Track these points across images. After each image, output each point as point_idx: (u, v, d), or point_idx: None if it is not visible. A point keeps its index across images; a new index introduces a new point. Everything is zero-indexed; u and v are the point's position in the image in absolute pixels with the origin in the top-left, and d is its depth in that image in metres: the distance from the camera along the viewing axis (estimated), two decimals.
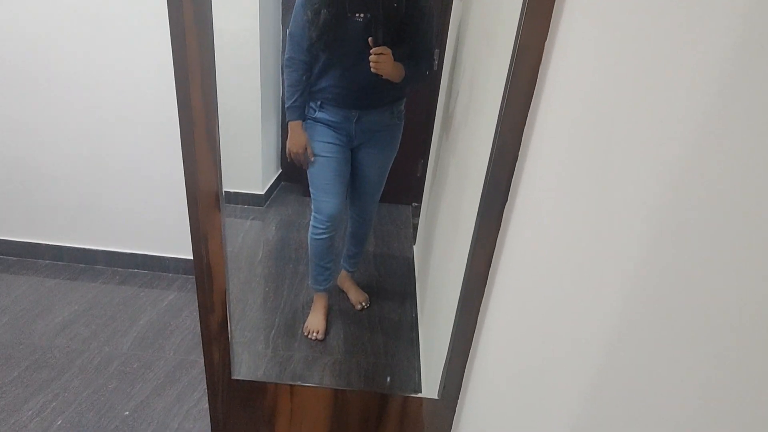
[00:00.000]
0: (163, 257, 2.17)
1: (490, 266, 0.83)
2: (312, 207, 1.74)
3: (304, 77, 1.55)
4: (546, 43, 0.66)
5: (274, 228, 2.73)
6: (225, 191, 2.53)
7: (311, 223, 1.76)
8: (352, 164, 1.73)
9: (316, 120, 1.60)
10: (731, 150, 0.33)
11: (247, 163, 2.83)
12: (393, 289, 2.26)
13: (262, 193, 2.93)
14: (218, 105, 0.80)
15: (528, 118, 0.69)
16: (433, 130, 2.31)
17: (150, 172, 1.99)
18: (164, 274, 2.20)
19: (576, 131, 0.59)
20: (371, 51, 1.39)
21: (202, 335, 0.91)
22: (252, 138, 2.75)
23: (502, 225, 0.80)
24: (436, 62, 2.70)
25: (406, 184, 3.12)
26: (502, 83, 0.71)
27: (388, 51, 1.39)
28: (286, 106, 1.61)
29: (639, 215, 0.44)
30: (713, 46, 0.36)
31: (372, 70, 1.40)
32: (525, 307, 0.71)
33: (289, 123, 1.63)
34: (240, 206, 2.93)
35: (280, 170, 3.28)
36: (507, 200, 0.77)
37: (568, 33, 0.63)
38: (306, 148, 1.63)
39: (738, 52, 0.33)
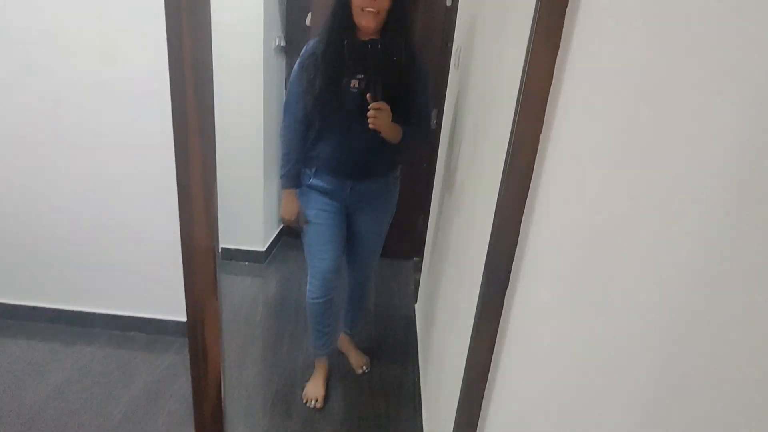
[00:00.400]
0: (162, 320, 2.13)
1: (493, 351, 0.81)
2: (308, 271, 1.73)
3: (299, 146, 1.55)
4: (541, 136, 0.67)
5: (274, 286, 2.70)
6: (226, 248, 2.53)
7: (308, 287, 1.74)
8: (349, 229, 1.72)
9: (311, 187, 1.59)
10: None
11: (249, 220, 2.85)
12: (395, 350, 2.20)
13: (263, 249, 2.93)
14: (222, 161, 0.81)
15: (526, 209, 0.70)
16: (433, 187, 2.34)
17: (149, 234, 1.99)
18: (162, 336, 2.16)
19: (575, 234, 0.59)
20: (369, 106, 1.34)
21: (195, 424, 0.87)
22: (254, 195, 2.79)
23: (504, 307, 0.79)
24: (435, 122, 2.78)
25: (407, 239, 3.12)
26: (498, 173, 0.73)
27: (386, 106, 1.35)
28: (280, 174, 1.62)
29: (642, 322, 0.43)
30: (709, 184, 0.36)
31: (369, 125, 1.36)
32: (533, 388, 0.69)
33: (282, 191, 1.64)
34: (241, 263, 2.92)
35: (282, 225, 3.30)
36: (508, 286, 0.77)
37: (562, 128, 0.65)
38: (298, 216, 1.64)
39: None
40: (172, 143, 0.76)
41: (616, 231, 0.51)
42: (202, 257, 0.89)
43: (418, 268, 2.97)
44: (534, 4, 0.64)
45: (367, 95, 1.34)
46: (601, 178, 0.56)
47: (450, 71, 1.98)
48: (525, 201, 0.70)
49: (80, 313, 2.14)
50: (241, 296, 2.56)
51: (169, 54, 0.72)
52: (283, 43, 2.81)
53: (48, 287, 2.12)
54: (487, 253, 0.75)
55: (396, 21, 1.38)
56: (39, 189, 1.94)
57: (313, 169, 1.56)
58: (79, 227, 2.00)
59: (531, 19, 0.66)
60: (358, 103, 1.39)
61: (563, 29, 0.63)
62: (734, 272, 0.35)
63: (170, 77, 0.72)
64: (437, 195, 1.93)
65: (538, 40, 0.64)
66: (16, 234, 2.02)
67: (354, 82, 1.42)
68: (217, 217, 0.82)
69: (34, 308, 2.14)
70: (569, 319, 0.60)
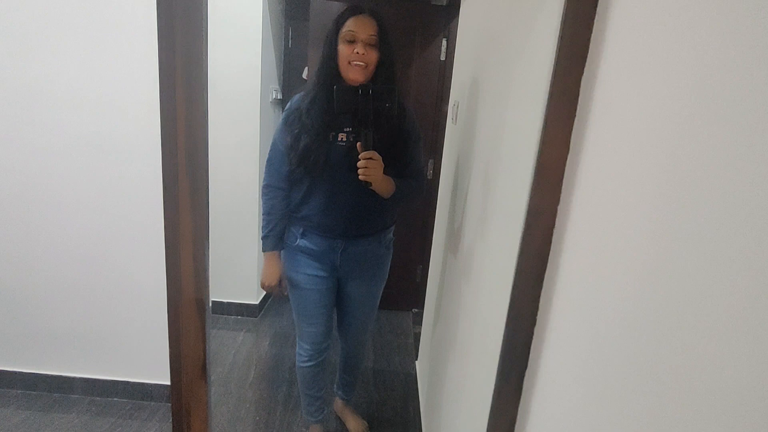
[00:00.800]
0: (146, 384, 2.00)
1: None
2: (297, 334, 1.63)
3: (281, 206, 1.46)
4: (558, 207, 0.63)
5: (267, 343, 2.58)
6: (218, 301, 2.40)
7: (297, 350, 1.64)
8: (339, 295, 1.61)
9: (298, 249, 1.47)
10: None
11: (243, 272, 2.76)
12: (395, 412, 2.07)
13: (257, 302, 2.83)
14: (216, 212, 0.75)
15: (544, 288, 0.64)
16: (432, 236, 2.28)
17: (134, 292, 1.90)
18: (146, 402, 2.02)
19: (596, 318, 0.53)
20: (359, 156, 1.23)
21: None
22: (248, 246, 2.72)
23: (523, 393, 0.71)
24: (431, 171, 2.77)
25: (405, 290, 3.03)
26: (510, 240, 0.67)
27: (378, 156, 1.23)
28: (261, 235, 1.50)
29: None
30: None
31: (360, 177, 1.23)
32: None
33: (263, 254, 1.52)
34: (233, 317, 2.80)
35: (283, 265, 3.20)
36: (527, 367, 0.70)
37: (583, 198, 0.60)
38: (280, 282, 1.53)
39: None
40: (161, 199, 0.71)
41: (649, 320, 0.46)
42: (190, 311, 0.82)
43: (417, 321, 2.86)
44: (548, 70, 0.61)
45: (357, 144, 1.24)
46: (631, 260, 0.51)
47: (447, 124, 1.97)
48: (542, 280, 0.64)
49: (58, 377, 2.01)
50: (234, 354, 2.43)
51: (161, 112, 0.68)
52: (279, 96, 2.84)
53: (23, 350, 1.99)
54: (503, 335, 0.69)
55: (385, 72, 1.32)
56: (17, 246, 1.86)
57: (300, 230, 1.46)
58: (57, 287, 1.91)
59: (544, 83, 0.63)
60: (347, 158, 1.31)
61: (580, 92, 0.60)
62: None
63: (162, 135, 0.68)
64: (439, 248, 1.86)
65: (553, 106, 0.60)
66: None
67: (342, 136, 1.34)
68: (208, 268, 0.75)
69: (7, 373, 2.01)
70: (593, 419, 0.53)
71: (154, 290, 1.89)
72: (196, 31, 0.65)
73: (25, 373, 2.00)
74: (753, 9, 0.37)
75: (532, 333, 0.68)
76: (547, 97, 0.60)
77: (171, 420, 1.97)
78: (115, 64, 1.67)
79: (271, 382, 2.22)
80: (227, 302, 2.80)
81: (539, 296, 0.66)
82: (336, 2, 2.58)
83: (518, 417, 0.73)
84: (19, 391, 2.02)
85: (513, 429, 0.74)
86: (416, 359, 2.46)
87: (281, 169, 1.42)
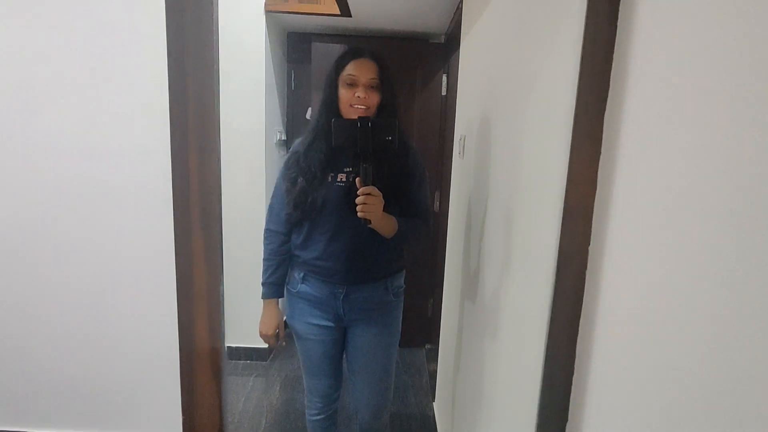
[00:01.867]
0: None
1: None
2: (305, 387, 1.54)
3: (282, 251, 1.41)
4: (590, 247, 0.60)
5: (278, 387, 2.49)
6: (228, 346, 2.31)
7: (306, 402, 1.56)
8: (348, 350, 1.48)
9: (299, 295, 1.41)
10: None
11: (251, 316, 2.71)
12: None
13: (266, 346, 2.76)
14: (224, 257, 0.72)
15: (580, 335, 0.60)
16: (443, 269, 2.23)
17: (142, 344, 1.85)
18: None
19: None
20: (358, 191, 1.16)
21: None
22: (256, 291, 2.66)
23: None
24: (437, 203, 2.75)
25: (417, 325, 2.95)
26: (547, 292, 0.64)
27: (378, 192, 1.16)
28: (261, 281, 1.44)
29: None
30: None
31: (359, 214, 1.17)
32: None
33: (263, 301, 1.45)
34: (242, 362, 2.73)
35: (284, 317, 3.15)
36: (567, 420, 0.65)
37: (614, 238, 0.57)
38: (277, 331, 1.45)
39: None
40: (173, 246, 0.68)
41: (689, 362, 0.42)
42: (203, 362, 0.78)
43: (431, 358, 2.77)
44: (569, 107, 0.60)
45: (356, 179, 1.17)
46: (664, 297, 0.47)
47: (454, 158, 1.97)
48: (578, 324, 0.60)
49: None
50: (243, 402, 2.35)
51: (173, 165, 0.67)
52: (284, 137, 2.86)
53: (32, 411, 1.92)
54: (541, 389, 0.64)
55: (386, 112, 1.29)
56: (19, 298, 1.83)
57: (302, 274, 1.40)
58: (68, 345, 1.86)
59: (565, 121, 0.61)
60: (347, 199, 1.24)
61: (603, 132, 0.58)
62: None
63: (173, 187, 0.67)
64: (454, 287, 1.81)
65: (576, 145, 0.58)
66: None
67: (341, 176, 1.30)
68: (223, 316, 0.71)
69: None
70: None
71: (163, 340, 1.84)
72: (208, 81, 0.64)
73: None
74: None
75: (571, 382, 0.64)
76: (570, 135, 0.58)
77: None
78: (125, 114, 1.68)
79: (283, 430, 2.13)
80: (236, 347, 2.74)
81: (576, 342, 0.62)
82: (336, 45, 2.63)
83: None
84: None
85: None
86: (433, 400, 2.37)
87: (281, 214, 1.38)
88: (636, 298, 0.55)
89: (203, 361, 0.81)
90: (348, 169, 1.30)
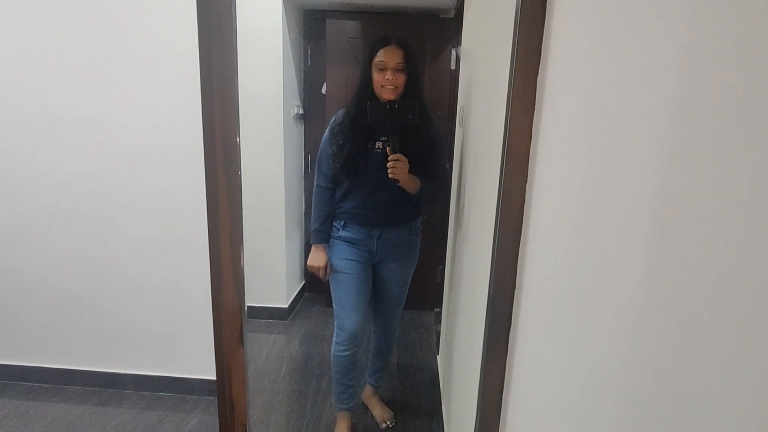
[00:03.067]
0: (188, 378, 2.18)
1: (502, 391, 0.84)
2: (335, 323, 1.78)
3: (328, 204, 1.71)
4: (527, 186, 0.75)
5: (297, 342, 2.73)
6: (250, 306, 2.60)
7: (334, 339, 1.78)
8: (374, 280, 1.80)
9: (340, 238, 1.71)
10: None
11: (272, 278, 2.94)
12: (419, 403, 2.18)
13: (286, 306, 3.00)
14: (245, 221, 0.90)
15: (520, 252, 0.76)
16: (447, 237, 2.40)
17: (177, 295, 2.10)
18: (189, 396, 2.20)
19: (562, 269, 0.65)
20: (389, 159, 1.50)
21: None
22: (277, 253, 2.90)
23: (509, 349, 0.83)
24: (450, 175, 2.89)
25: (427, 290, 3.14)
26: (493, 220, 0.80)
27: (404, 158, 1.51)
28: (312, 229, 1.75)
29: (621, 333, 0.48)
30: None
31: (389, 176, 1.51)
32: (543, 422, 0.72)
33: (313, 245, 1.75)
34: (264, 320, 2.97)
35: (304, 281, 3.37)
36: (510, 326, 0.81)
37: (543, 176, 0.73)
38: (326, 267, 1.74)
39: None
40: (202, 208, 0.87)
41: (592, 259, 0.58)
42: (230, 315, 0.96)
43: (439, 320, 2.97)
44: (509, 73, 0.75)
45: (387, 149, 1.52)
46: (576, 218, 0.63)
47: (456, 128, 2.10)
48: (518, 245, 0.76)
49: (112, 374, 2.21)
50: (266, 353, 2.60)
51: (204, 132, 0.84)
52: (301, 111, 3.03)
53: (81, 349, 2.21)
54: (488, 298, 0.81)
55: (412, 90, 1.57)
56: (70, 254, 2.09)
57: (342, 222, 1.70)
58: (108, 288, 2.12)
59: (508, 84, 0.76)
60: (381, 162, 1.56)
61: (536, 93, 0.72)
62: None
63: (204, 151, 0.84)
64: (450, 245, 1.99)
65: (515, 103, 0.73)
66: (48, 298, 2.15)
67: (378, 144, 1.61)
68: (244, 278, 0.90)
69: (68, 371, 2.23)
70: (567, 354, 0.65)
71: (193, 293, 2.08)
72: (229, 57, 0.81)
73: (83, 370, 2.22)
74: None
75: (513, 295, 0.80)
76: (510, 93, 0.73)
77: (211, 412, 2.14)
78: (163, 91, 1.89)
79: (301, 376, 2.37)
80: (258, 306, 2.98)
81: (516, 263, 0.78)
82: (350, 21, 2.76)
83: (506, 371, 0.84)
84: (77, 387, 2.23)
85: (503, 383, 0.85)
86: (437, 354, 2.57)
87: (328, 173, 1.68)
88: (558, 225, 0.71)
89: (229, 314, 0.98)
90: (383, 139, 1.60)
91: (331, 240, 1.74)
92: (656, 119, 0.46)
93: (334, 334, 1.78)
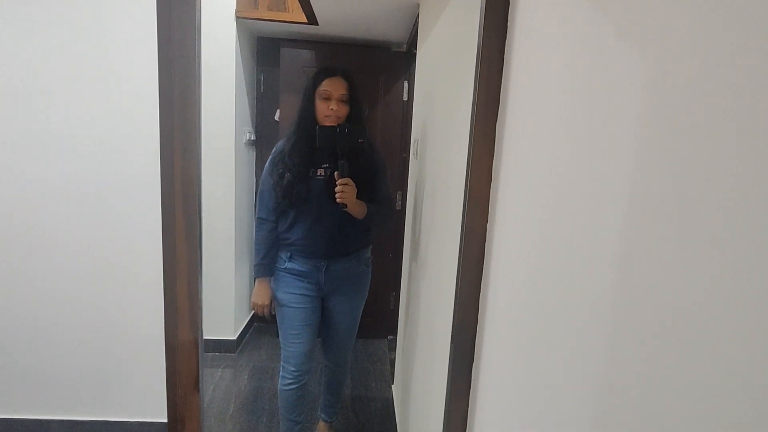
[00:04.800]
0: (128, 422, 2.02)
1: (466, 425, 0.85)
2: (281, 357, 1.73)
3: (271, 236, 1.66)
4: (488, 225, 0.78)
5: (246, 376, 2.61)
6: None
7: (281, 373, 1.73)
8: (324, 313, 1.76)
9: (286, 271, 1.66)
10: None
11: (220, 309, 2.82)
12: None
13: (235, 338, 2.87)
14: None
15: (482, 285, 0.79)
16: (402, 265, 2.42)
17: (114, 329, 1.95)
18: None
19: (526, 311, 0.68)
20: (337, 182, 1.49)
21: None
22: (225, 283, 2.79)
23: (472, 383, 0.84)
24: (399, 203, 2.94)
25: (380, 318, 3.13)
26: (454, 256, 0.82)
27: (352, 183, 1.50)
28: (254, 263, 1.69)
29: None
30: None
31: (337, 200, 1.49)
32: None
33: (256, 279, 1.69)
34: (211, 354, 2.82)
35: (253, 311, 3.25)
36: (473, 360, 0.83)
37: (504, 226, 0.76)
38: (270, 304, 1.69)
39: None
40: (152, 237, 0.82)
41: (553, 294, 0.60)
42: (186, 357, 0.91)
43: (392, 347, 2.95)
44: (470, 117, 0.78)
45: (335, 173, 1.51)
46: (536, 254, 0.66)
47: (410, 159, 2.15)
48: (480, 282, 0.79)
49: (36, 421, 2.00)
50: (213, 390, 2.46)
51: (161, 158, 0.81)
52: (253, 137, 2.98)
53: (6, 395, 1.99)
54: (452, 333, 0.82)
55: (355, 118, 1.59)
56: (9, 291, 1.90)
57: (288, 254, 1.65)
58: (36, 320, 1.94)
59: (468, 125, 0.79)
60: (324, 188, 1.55)
61: (495, 137, 0.76)
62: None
63: (162, 188, 0.81)
64: (406, 274, 2.01)
65: (476, 147, 0.76)
66: None
67: (320, 171, 1.58)
68: (201, 315, 0.86)
69: None
70: (531, 388, 0.67)
71: (134, 328, 1.94)
72: (191, 85, 0.79)
73: (12, 419, 1.99)
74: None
75: (476, 332, 0.82)
76: (471, 137, 0.77)
77: None
78: (117, 112, 1.79)
79: (251, 413, 2.25)
80: (205, 339, 2.83)
81: (479, 299, 0.80)
82: (304, 51, 2.78)
83: (470, 405, 0.85)
84: None
85: (466, 417, 0.86)
86: (392, 384, 2.54)
87: (270, 204, 1.64)
88: (517, 260, 0.73)
89: (185, 356, 0.94)
90: (325, 165, 1.58)
91: (277, 272, 1.69)
92: (617, 163, 0.50)
93: (281, 368, 1.73)
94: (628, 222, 0.46)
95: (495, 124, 0.75)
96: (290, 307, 1.66)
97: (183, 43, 0.83)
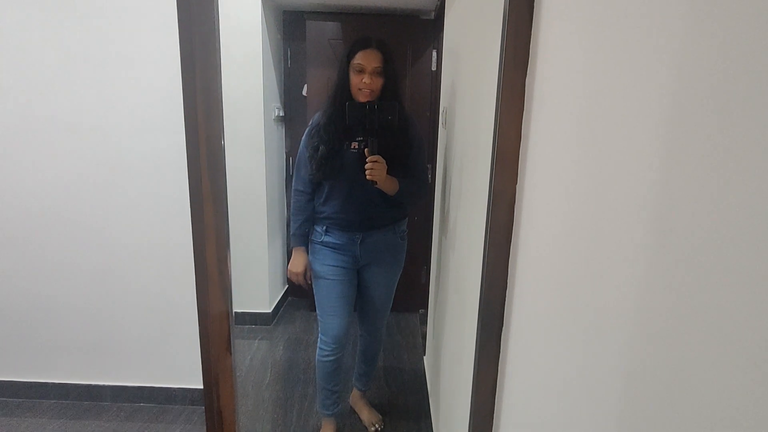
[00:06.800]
0: (171, 388, 2.13)
1: (495, 394, 0.84)
2: (318, 328, 1.76)
3: (307, 206, 1.69)
4: (517, 187, 0.75)
5: (281, 347, 2.69)
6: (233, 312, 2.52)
7: (318, 345, 1.76)
8: (359, 284, 1.77)
9: (322, 244, 1.68)
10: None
11: (255, 283, 2.90)
12: (406, 406, 2.17)
13: (270, 311, 2.95)
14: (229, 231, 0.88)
15: (511, 253, 0.76)
16: (432, 238, 2.41)
17: (157, 301, 2.04)
18: (171, 406, 2.14)
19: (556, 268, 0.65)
20: (366, 160, 1.47)
21: None
22: (259, 258, 2.85)
23: (501, 347, 0.83)
24: (429, 175, 2.90)
25: (412, 292, 3.14)
26: (482, 221, 0.79)
27: (382, 159, 1.48)
28: (291, 232, 1.72)
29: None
30: None
31: (367, 177, 1.48)
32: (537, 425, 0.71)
33: (293, 248, 1.72)
34: (248, 326, 2.92)
35: (287, 286, 3.33)
36: (503, 327, 0.81)
37: (534, 177, 0.73)
38: (305, 272, 1.72)
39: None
40: (187, 212, 0.84)
41: (585, 258, 0.57)
42: (217, 323, 0.94)
43: (424, 321, 2.97)
44: (497, 75, 0.74)
45: (365, 150, 1.49)
46: (568, 217, 0.63)
47: (439, 129, 2.10)
48: (510, 246, 0.76)
49: (88, 386, 2.14)
50: (250, 360, 2.55)
51: (186, 132, 0.82)
52: (282, 113, 2.99)
53: (54, 362, 2.13)
54: (480, 300, 0.81)
55: (390, 94, 1.55)
56: (46, 262, 2.01)
57: (324, 227, 1.67)
58: (85, 297, 2.05)
59: (496, 85, 0.76)
60: (359, 163, 1.54)
61: (525, 94, 0.72)
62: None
63: (187, 153, 0.81)
64: (436, 246, 1.99)
65: (504, 104, 0.73)
66: (19, 307, 2.07)
67: (354, 144, 1.57)
68: (231, 284, 0.88)
69: (41, 384, 2.15)
70: (561, 354, 0.65)
71: (175, 299, 2.02)
72: (212, 60, 0.79)
73: (57, 383, 2.14)
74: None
75: (505, 296, 0.80)
76: (499, 94, 0.73)
77: (194, 422, 2.09)
78: (144, 92, 1.84)
79: (286, 382, 2.33)
80: (241, 312, 2.93)
81: (508, 264, 0.78)
82: (330, 23, 2.74)
83: (499, 374, 0.84)
84: (52, 401, 2.15)
85: (495, 386, 0.85)
86: (424, 356, 2.56)
87: (305, 176, 1.66)
88: (549, 225, 0.71)
89: (216, 322, 0.96)
90: (359, 139, 1.57)
91: (314, 245, 1.71)
92: (652, 119, 0.46)
93: (318, 340, 1.76)
94: (664, 184, 0.43)
95: (524, 79, 0.71)
96: (327, 279, 1.68)
97: (202, 22, 0.82)
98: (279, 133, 3.02)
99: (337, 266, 1.68)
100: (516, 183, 0.75)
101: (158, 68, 1.82)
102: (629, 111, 0.50)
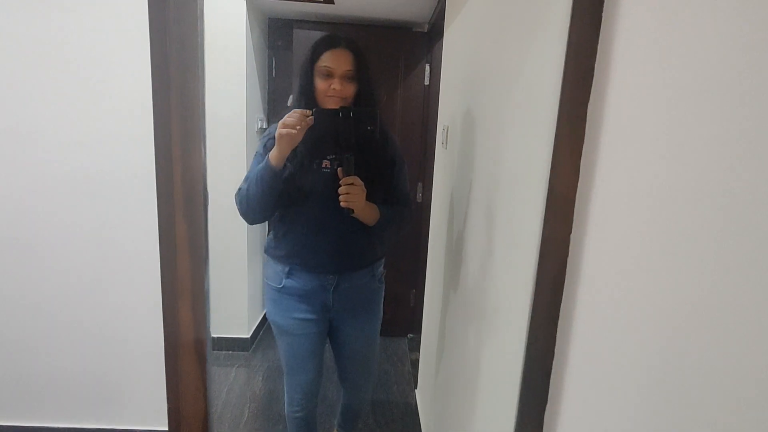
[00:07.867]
0: (132, 431, 1.90)
1: None
2: (285, 382, 1.51)
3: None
4: (572, 235, 0.61)
5: (261, 377, 2.49)
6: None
7: (286, 399, 1.52)
8: (335, 340, 1.49)
9: (284, 290, 1.35)
10: None
11: (232, 305, 2.69)
12: None
13: (248, 336, 2.75)
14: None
15: (561, 318, 0.62)
16: (425, 260, 2.26)
17: (118, 332, 1.82)
18: None
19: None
20: (340, 182, 1.16)
21: None
22: (238, 278, 2.65)
23: (545, 428, 0.68)
24: (420, 194, 2.77)
25: (399, 315, 2.98)
26: (531, 282, 0.65)
27: (360, 182, 1.17)
28: (255, 172, 1.25)
29: None
30: None
31: (342, 204, 1.17)
32: None
33: (268, 156, 1.19)
34: (224, 353, 2.71)
35: (266, 309, 3.13)
36: (547, 403, 0.67)
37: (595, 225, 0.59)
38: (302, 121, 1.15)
39: None
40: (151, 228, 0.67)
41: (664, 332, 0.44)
42: (187, 354, 0.77)
43: (413, 347, 2.81)
44: (553, 98, 0.61)
45: (338, 169, 1.19)
46: (642, 286, 0.49)
47: (437, 148, 1.98)
48: (558, 312, 0.62)
49: (40, 429, 1.90)
50: (226, 392, 2.34)
51: (156, 155, 0.66)
52: (265, 125, 2.82)
53: (7, 402, 1.88)
54: (523, 363, 0.66)
55: (365, 101, 1.26)
56: (4, 291, 1.78)
57: (286, 269, 1.34)
58: (35, 329, 1.82)
59: (550, 111, 0.62)
60: (332, 185, 1.21)
61: (587, 118, 0.59)
62: None
63: (157, 179, 0.66)
64: (436, 276, 1.83)
65: (560, 137, 0.60)
66: None
67: (326, 163, 1.25)
68: (208, 307, 0.71)
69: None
70: None
71: (144, 329, 1.82)
72: (192, 69, 0.63)
73: (7, 426, 1.89)
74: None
75: (551, 367, 0.65)
76: (554, 126, 0.60)
77: None
78: (108, 101, 1.64)
79: (266, 420, 2.13)
80: (217, 337, 2.72)
81: (556, 329, 0.64)
82: (318, 32, 2.60)
83: None
84: None
85: None
86: (415, 388, 2.40)
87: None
88: (614, 286, 0.57)
89: (188, 351, 0.80)
90: (331, 156, 1.25)
91: (272, 291, 1.38)
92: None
93: (285, 394, 1.52)
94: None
95: (586, 106, 0.58)
96: (293, 335, 1.39)
97: (181, 22, 0.67)
98: None
99: (304, 319, 1.37)
100: (570, 232, 0.61)
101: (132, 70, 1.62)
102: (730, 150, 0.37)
